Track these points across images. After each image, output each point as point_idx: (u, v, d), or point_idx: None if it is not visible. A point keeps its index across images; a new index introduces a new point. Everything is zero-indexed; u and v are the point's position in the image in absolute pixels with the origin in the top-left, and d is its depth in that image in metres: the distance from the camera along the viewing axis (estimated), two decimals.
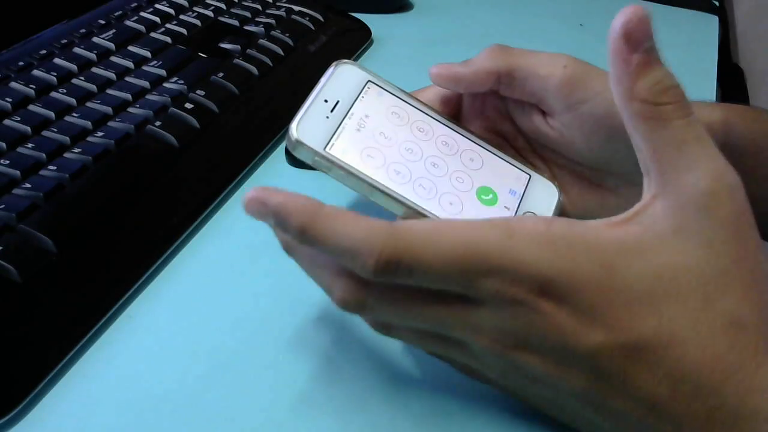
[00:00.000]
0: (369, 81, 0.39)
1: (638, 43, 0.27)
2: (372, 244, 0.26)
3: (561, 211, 0.39)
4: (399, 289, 0.27)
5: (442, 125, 0.39)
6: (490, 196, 0.38)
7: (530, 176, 0.40)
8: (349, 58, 0.46)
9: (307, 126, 0.36)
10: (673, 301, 0.26)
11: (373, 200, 0.36)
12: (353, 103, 0.38)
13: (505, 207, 0.37)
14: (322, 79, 0.38)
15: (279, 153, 0.49)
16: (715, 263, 0.27)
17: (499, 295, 0.26)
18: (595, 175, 0.40)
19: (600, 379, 0.27)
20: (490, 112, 0.41)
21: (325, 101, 0.37)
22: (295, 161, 0.48)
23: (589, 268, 0.27)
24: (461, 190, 0.37)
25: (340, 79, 0.38)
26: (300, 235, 0.26)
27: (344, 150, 0.36)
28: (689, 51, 0.67)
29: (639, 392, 0.27)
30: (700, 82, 0.61)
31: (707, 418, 0.26)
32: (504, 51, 0.38)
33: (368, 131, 0.37)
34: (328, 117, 0.37)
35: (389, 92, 0.39)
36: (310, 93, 0.37)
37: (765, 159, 0.40)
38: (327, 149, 0.36)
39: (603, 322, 0.26)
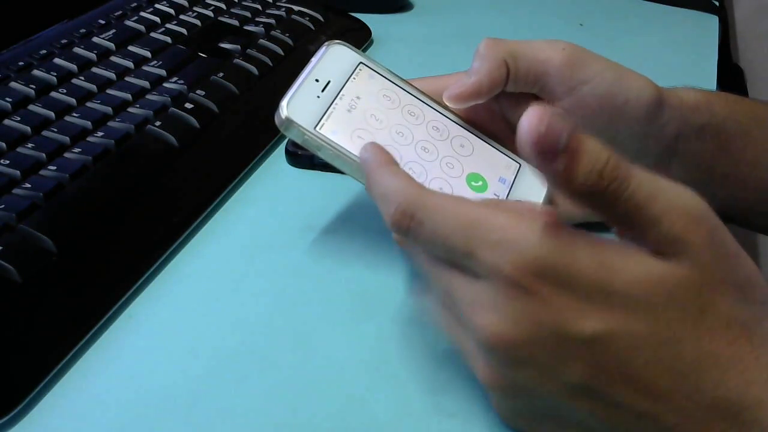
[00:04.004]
0: (361, 63, 0.39)
1: (553, 150, 0.25)
2: (397, 196, 0.29)
3: (550, 201, 0.39)
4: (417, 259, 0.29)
5: (433, 110, 0.39)
6: (480, 182, 0.38)
7: (520, 165, 0.39)
8: None
9: (297, 104, 0.36)
10: (671, 307, 0.27)
11: (362, 182, 0.36)
12: (344, 84, 0.38)
13: (495, 194, 0.37)
14: (314, 59, 0.38)
15: (279, 153, 0.49)
16: (704, 275, 0.27)
17: (497, 270, 0.27)
18: None
19: (598, 367, 0.27)
20: (482, 113, 0.40)
21: (316, 81, 0.37)
22: (295, 161, 0.48)
23: (588, 263, 0.27)
24: (451, 175, 0.37)
25: (332, 59, 0.38)
26: (367, 180, 0.32)
27: (334, 130, 0.36)
28: (689, 51, 0.67)
29: (639, 384, 0.27)
30: (700, 82, 0.61)
31: (710, 408, 0.26)
32: (499, 42, 0.38)
33: (359, 113, 0.37)
34: (318, 96, 0.37)
35: (381, 75, 0.39)
36: (301, 72, 0.37)
37: (752, 140, 0.41)
38: (317, 128, 0.36)
39: (600, 311, 0.26)
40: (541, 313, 0.26)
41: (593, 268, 0.26)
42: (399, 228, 0.29)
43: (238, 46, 0.56)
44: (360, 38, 0.64)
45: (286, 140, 0.49)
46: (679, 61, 0.65)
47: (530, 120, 0.25)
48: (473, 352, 0.29)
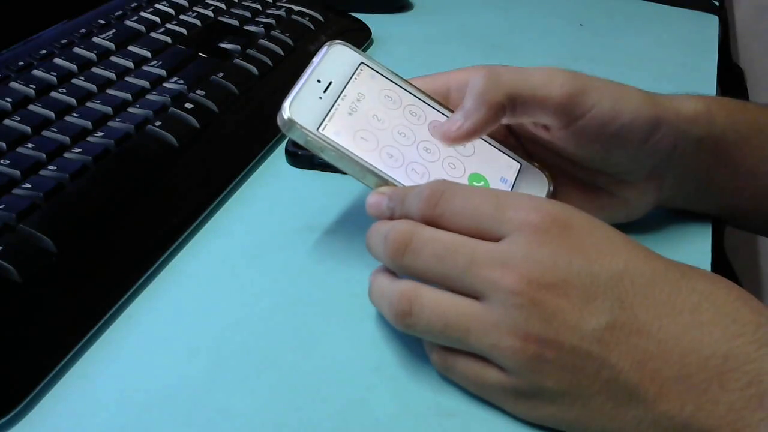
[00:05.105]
0: (362, 63, 0.39)
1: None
2: (428, 184, 0.33)
3: None
4: (438, 238, 0.31)
5: (435, 110, 0.39)
6: (482, 182, 0.38)
7: (521, 165, 0.40)
8: None
9: (299, 106, 0.36)
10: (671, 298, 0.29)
11: (365, 183, 0.36)
12: (346, 85, 0.38)
13: None
14: (315, 60, 0.38)
15: (279, 153, 0.49)
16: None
17: (526, 223, 0.30)
18: (588, 176, 0.40)
19: (623, 303, 0.29)
20: None
21: (318, 81, 0.37)
22: (295, 161, 0.48)
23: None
24: (453, 176, 0.37)
25: (333, 60, 0.38)
26: (390, 198, 0.34)
27: (337, 131, 0.36)
28: (689, 51, 0.67)
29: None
30: (700, 82, 0.61)
31: (719, 376, 0.27)
32: (495, 82, 0.36)
33: (361, 113, 0.37)
34: (320, 97, 0.37)
35: (382, 75, 0.39)
36: (303, 73, 0.37)
37: (751, 149, 0.40)
38: (320, 130, 0.36)
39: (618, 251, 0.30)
40: (573, 252, 0.29)
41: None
42: (429, 202, 0.32)
43: (238, 46, 0.56)
44: (360, 38, 0.64)
45: (286, 140, 0.49)
46: (679, 61, 0.65)
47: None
48: (497, 330, 0.30)
